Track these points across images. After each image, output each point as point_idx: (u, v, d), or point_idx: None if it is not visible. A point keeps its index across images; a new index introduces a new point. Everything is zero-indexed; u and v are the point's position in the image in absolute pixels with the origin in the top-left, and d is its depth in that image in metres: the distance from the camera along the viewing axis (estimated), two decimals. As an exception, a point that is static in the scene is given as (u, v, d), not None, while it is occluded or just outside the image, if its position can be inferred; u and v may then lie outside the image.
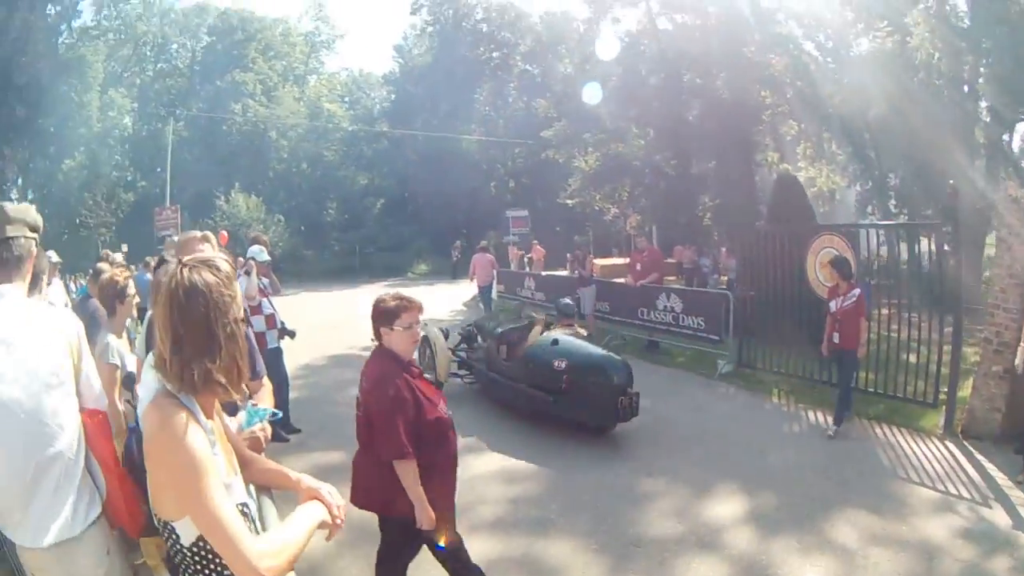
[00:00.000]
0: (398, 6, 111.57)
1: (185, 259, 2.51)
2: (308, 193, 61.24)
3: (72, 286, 40.76)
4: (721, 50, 29.91)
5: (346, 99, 71.62)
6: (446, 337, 13.52)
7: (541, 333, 11.51)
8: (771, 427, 10.94)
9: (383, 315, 5.05)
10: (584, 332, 12.53)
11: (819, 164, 31.71)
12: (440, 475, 5.01)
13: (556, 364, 10.35)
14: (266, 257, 10.08)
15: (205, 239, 5.76)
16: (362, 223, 59.34)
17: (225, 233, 37.20)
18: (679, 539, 7.07)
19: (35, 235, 3.85)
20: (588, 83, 44.53)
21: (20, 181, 68.93)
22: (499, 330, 12.43)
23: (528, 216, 49.41)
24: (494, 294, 26.27)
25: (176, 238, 7.92)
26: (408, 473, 4.75)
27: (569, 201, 40.31)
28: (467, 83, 57.95)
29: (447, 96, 57.36)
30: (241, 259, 19.75)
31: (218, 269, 2.53)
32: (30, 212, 3.91)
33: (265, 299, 10.62)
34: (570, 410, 10.38)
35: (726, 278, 25.77)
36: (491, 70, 60.39)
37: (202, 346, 2.44)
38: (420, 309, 5.15)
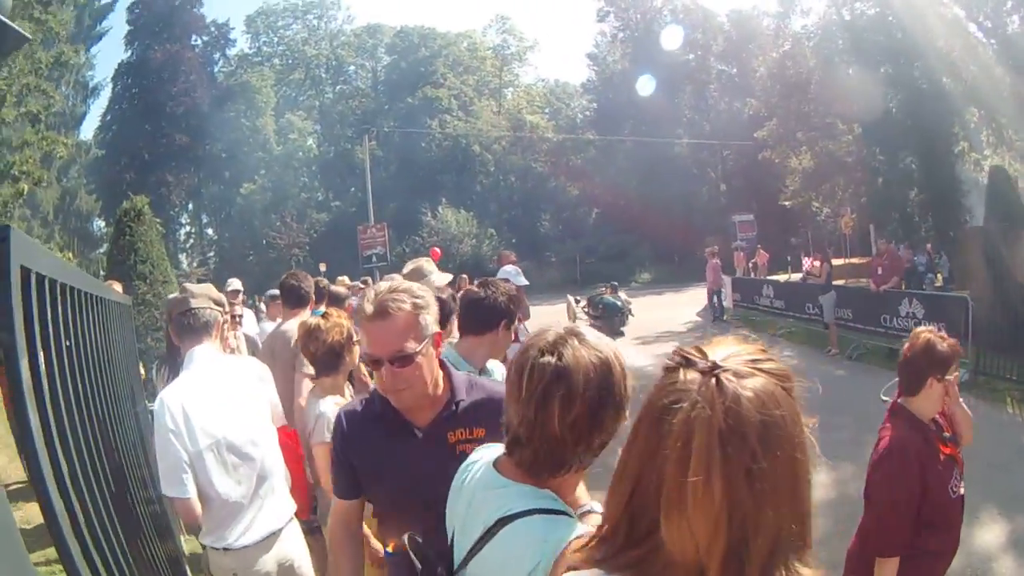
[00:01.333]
0: (582, 13, 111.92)
1: (722, 359, 1.50)
2: (520, 205, 64.24)
3: (262, 307, 42.90)
4: (906, 38, 30.05)
5: (546, 110, 73.15)
6: (577, 302, 27.12)
7: (602, 295, 26.37)
8: (1010, 441, 10.81)
9: (938, 362, 4.23)
10: (620, 296, 26.77)
11: (1000, 151, 32.04)
12: (940, 565, 4.41)
13: (599, 305, 25.29)
14: (524, 280, 8.35)
15: (417, 273, 5.66)
16: (579, 233, 60.16)
17: (437, 250, 38.44)
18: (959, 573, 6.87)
19: (220, 307, 4.55)
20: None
21: (191, 206, 73.22)
22: (589, 296, 27.18)
23: (754, 220, 50.01)
24: (729, 302, 27.45)
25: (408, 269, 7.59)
26: (886, 574, 4.18)
27: (787, 203, 41.28)
28: (667, 87, 58.67)
29: (649, 101, 57.85)
30: (464, 277, 21.37)
31: (780, 376, 1.52)
32: (212, 290, 4.63)
33: (523, 325, 9.35)
34: (603, 323, 23.36)
35: (941, 275, 26.85)
36: (689, 72, 61.36)
37: (786, 531, 1.46)
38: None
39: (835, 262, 31.69)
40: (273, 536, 4.35)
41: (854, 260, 33.86)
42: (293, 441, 4.93)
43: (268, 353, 6.74)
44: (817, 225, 47.35)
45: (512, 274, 8.11)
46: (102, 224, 57.36)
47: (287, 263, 53.48)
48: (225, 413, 4.18)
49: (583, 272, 53.04)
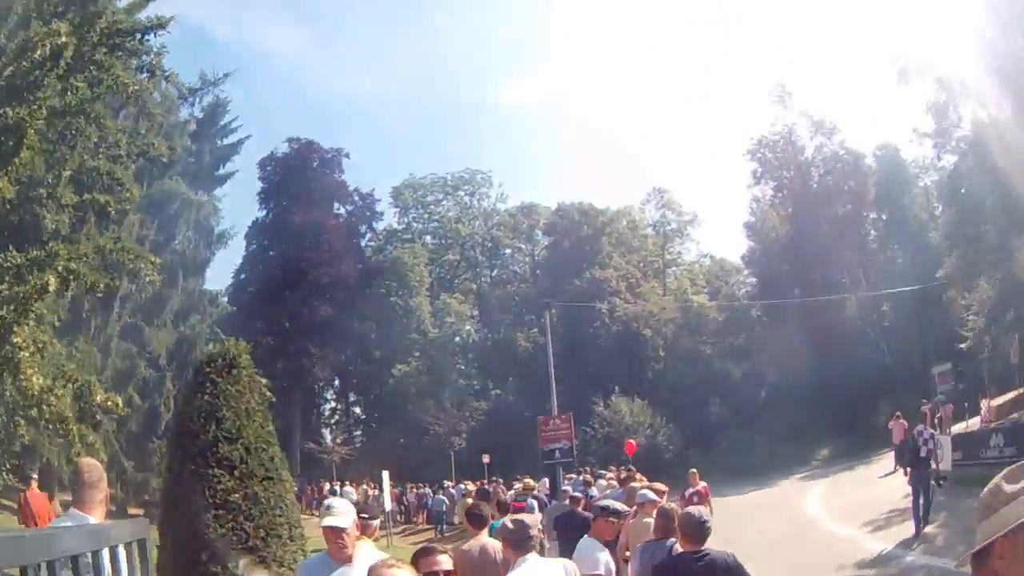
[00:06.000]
0: (737, 179, 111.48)
1: None
2: (690, 391, 61.98)
3: (409, 495, 45.77)
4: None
5: (706, 289, 73.33)
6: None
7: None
8: None
9: None
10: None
11: None
12: None
13: None
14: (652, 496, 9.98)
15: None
16: (750, 416, 58.36)
17: (632, 442, 37.81)
18: None
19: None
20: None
21: (337, 382, 75.22)
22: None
23: (951, 370, 46.20)
24: (947, 464, 25.03)
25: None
26: None
27: (963, 345, 41.14)
28: (828, 245, 57.50)
29: (813, 264, 56.99)
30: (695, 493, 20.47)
31: None
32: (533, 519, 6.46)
33: None
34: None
35: None
36: (846, 226, 60.41)
37: None
38: None
39: (1003, 398, 34.69)
40: None
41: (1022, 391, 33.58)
42: None
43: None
44: (978, 362, 44.60)
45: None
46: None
47: (444, 451, 54.20)
48: None
49: (760, 457, 51.06)
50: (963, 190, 35.58)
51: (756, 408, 60.27)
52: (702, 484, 20.00)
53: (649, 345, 66.86)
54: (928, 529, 18.28)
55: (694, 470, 20.91)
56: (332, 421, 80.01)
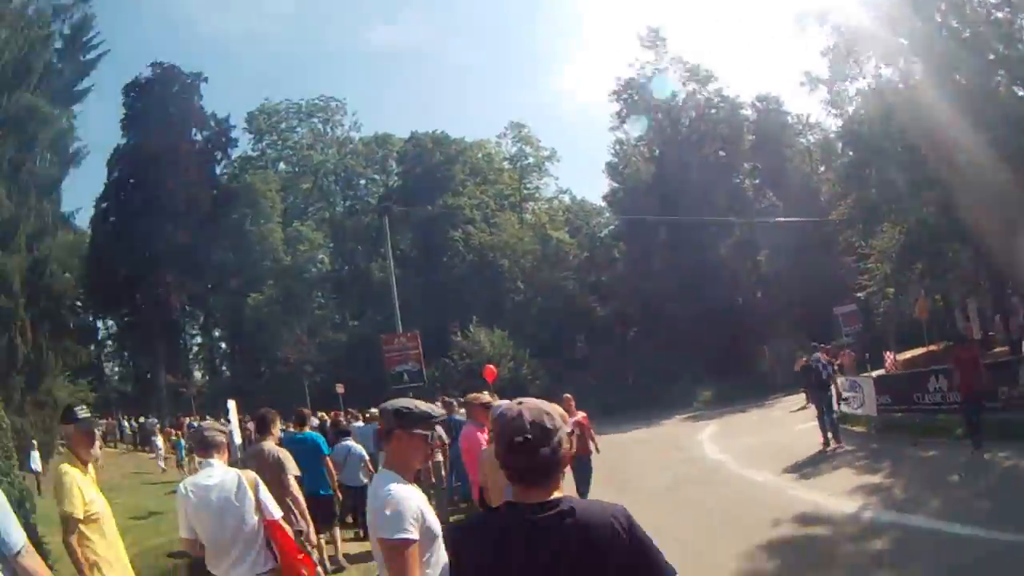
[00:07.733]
0: (600, 119, 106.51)
1: None
2: (554, 325, 59.86)
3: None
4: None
5: (566, 228, 69.24)
6: None
7: None
8: None
9: None
10: None
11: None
12: None
13: None
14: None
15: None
16: (618, 355, 55.94)
17: (492, 367, 36.10)
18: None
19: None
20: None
21: (203, 318, 74.45)
22: None
23: (857, 311, 43.12)
24: (874, 410, 23.04)
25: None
26: None
27: (860, 295, 38.77)
28: (698, 188, 53.97)
29: (681, 207, 52.30)
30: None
31: None
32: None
33: None
34: None
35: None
36: (717, 170, 57.60)
37: None
38: None
39: (911, 353, 34.13)
40: None
41: (933, 348, 31.31)
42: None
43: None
44: (873, 314, 45.28)
45: None
46: (89, 318, 61.67)
47: (299, 381, 52.58)
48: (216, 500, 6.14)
49: (636, 395, 48.76)
50: (863, 134, 32.61)
51: (625, 347, 57.80)
52: (581, 413, 15.35)
53: (507, 276, 65.16)
54: (879, 479, 15.50)
55: (568, 395, 15.83)
56: (200, 357, 78.52)
